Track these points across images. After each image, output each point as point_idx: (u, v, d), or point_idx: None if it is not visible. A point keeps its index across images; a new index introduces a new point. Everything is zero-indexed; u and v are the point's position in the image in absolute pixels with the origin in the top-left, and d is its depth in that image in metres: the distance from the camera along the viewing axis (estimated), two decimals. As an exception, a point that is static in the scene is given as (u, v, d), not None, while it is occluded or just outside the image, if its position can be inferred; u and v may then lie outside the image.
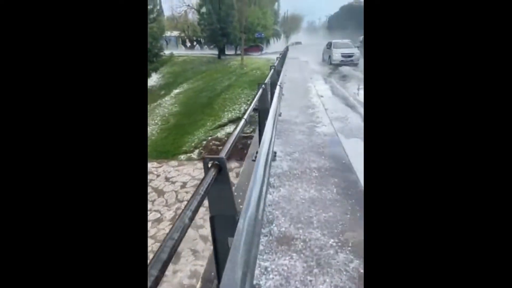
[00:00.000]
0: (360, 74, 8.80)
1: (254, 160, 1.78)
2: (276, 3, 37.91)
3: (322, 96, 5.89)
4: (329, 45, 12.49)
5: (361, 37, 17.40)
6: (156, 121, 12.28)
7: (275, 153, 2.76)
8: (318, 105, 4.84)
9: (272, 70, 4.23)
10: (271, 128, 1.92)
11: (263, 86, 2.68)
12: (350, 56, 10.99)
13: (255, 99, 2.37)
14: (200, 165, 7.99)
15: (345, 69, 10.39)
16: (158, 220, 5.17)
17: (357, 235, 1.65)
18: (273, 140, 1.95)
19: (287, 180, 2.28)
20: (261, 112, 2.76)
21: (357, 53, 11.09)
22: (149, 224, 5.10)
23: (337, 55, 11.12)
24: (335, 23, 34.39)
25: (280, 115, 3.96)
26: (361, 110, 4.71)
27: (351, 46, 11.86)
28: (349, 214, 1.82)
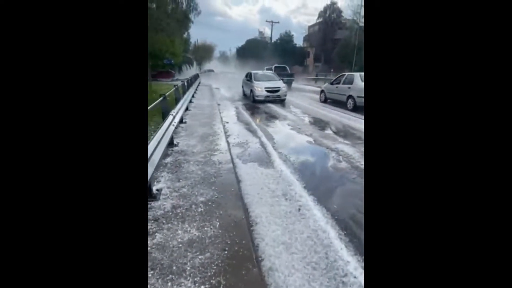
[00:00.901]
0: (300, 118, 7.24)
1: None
2: (186, 32, 38.62)
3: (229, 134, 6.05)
4: (249, 77, 10.23)
5: (265, 67, 19.70)
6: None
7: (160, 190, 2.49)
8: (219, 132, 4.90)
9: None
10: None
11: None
12: (276, 90, 9.24)
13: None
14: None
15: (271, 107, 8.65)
16: None
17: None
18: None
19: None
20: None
21: (284, 87, 9.49)
22: None
23: (259, 89, 9.11)
24: (243, 54, 37.94)
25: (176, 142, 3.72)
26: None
27: (275, 78, 10.11)
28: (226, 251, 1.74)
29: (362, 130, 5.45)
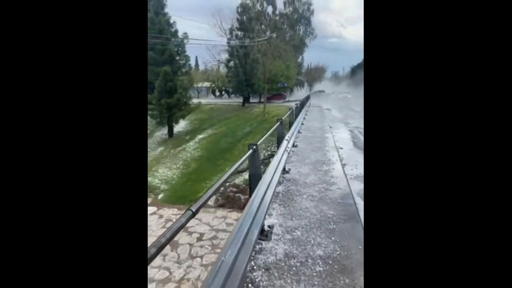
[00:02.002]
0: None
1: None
2: (301, 57, 40.76)
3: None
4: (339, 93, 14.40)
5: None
6: (178, 165, 12.44)
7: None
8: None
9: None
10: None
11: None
12: None
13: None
14: (218, 213, 7.40)
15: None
16: (164, 281, 4.54)
17: None
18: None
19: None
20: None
21: None
22: (153, 285, 4.48)
23: (340, 95, 12.76)
24: (358, 72, 35.28)
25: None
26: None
27: None
28: None
29: None
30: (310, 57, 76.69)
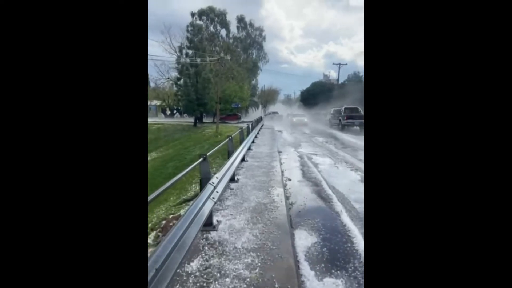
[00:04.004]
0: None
1: None
2: (255, 79, 41.84)
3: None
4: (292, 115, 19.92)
5: (332, 109, 18.24)
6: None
7: None
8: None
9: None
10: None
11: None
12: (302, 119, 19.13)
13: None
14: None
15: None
16: None
17: None
18: None
19: None
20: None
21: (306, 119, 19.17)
22: None
23: (294, 119, 18.92)
24: (307, 96, 37.67)
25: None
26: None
27: (304, 115, 20.00)
28: None
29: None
30: (264, 80, 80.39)
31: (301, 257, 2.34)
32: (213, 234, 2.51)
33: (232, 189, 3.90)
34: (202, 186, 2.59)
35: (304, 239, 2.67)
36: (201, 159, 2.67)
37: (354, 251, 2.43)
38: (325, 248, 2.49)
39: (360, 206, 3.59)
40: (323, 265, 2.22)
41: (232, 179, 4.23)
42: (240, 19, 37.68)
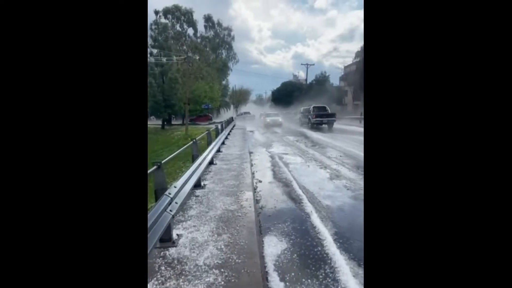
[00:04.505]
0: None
1: None
2: (225, 79, 41.29)
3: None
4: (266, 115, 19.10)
5: (302, 108, 18.64)
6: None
7: None
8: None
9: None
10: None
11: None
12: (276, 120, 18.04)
13: None
14: None
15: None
16: None
17: None
18: None
19: None
20: None
21: (280, 119, 18.36)
22: None
23: (268, 120, 18.07)
24: (278, 96, 38.22)
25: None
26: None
27: (278, 115, 19.37)
28: None
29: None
30: (235, 80, 79.92)
31: (270, 267, 2.18)
32: (172, 251, 2.23)
33: (198, 196, 3.62)
34: (157, 198, 2.29)
35: (274, 246, 2.51)
36: (154, 167, 2.36)
37: (325, 255, 2.33)
38: (295, 255, 2.36)
39: (328, 204, 3.56)
40: (293, 274, 2.08)
41: (197, 185, 3.94)
42: (208, 18, 36.87)
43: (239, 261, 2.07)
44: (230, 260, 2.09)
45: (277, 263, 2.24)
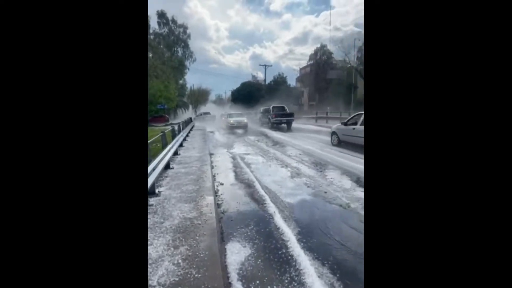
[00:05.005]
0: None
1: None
2: (183, 79, 39.49)
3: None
4: (228, 115, 16.65)
5: (262, 108, 18.87)
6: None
7: None
8: (209, 213, 3.05)
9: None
10: None
11: None
12: (241, 121, 15.59)
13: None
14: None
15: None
16: None
17: None
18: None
19: None
20: None
21: (245, 119, 15.90)
22: None
23: (231, 121, 15.65)
24: (238, 96, 38.13)
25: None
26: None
27: (243, 115, 16.87)
28: None
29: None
30: (193, 80, 77.20)
31: (234, 277, 2.03)
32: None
33: (151, 205, 3.26)
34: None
35: (237, 254, 2.37)
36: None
37: (289, 257, 2.28)
38: (260, 260, 2.25)
39: (290, 202, 3.57)
40: (258, 281, 1.97)
41: (151, 193, 3.56)
42: (161, 15, 34.82)
43: (199, 275, 1.87)
44: (189, 275, 1.87)
45: (241, 271, 2.11)
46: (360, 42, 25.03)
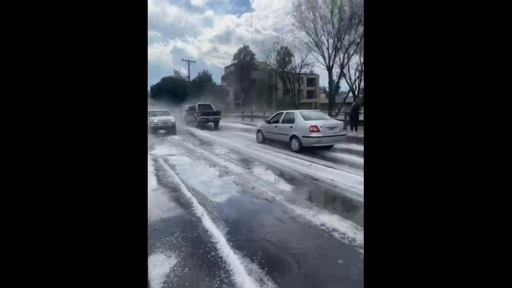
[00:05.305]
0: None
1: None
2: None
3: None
4: (151, 113, 13.45)
5: (187, 106, 17.95)
6: None
7: None
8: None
9: None
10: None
11: None
12: (168, 120, 13.54)
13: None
14: None
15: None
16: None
17: None
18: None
19: None
20: None
21: (172, 118, 13.60)
22: None
23: (156, 120, 13.17)
24: (159, 92, 35.03)
25: None
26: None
27: (169, 113, 14.41)
28: None
29: (339, 184, 4.34)
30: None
31: (157, 295, 1.81)
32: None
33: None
34: None
35: (161, 266, 2.14)
36: None
37: (219, 259, 2.22)
38: (187, 268, 2.10)
39: (219, 201, 3.52)
40: (185, 292, 1.82)
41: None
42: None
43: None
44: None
45: (165, 284, 1.91)
46: (279, 46, 27.27)
